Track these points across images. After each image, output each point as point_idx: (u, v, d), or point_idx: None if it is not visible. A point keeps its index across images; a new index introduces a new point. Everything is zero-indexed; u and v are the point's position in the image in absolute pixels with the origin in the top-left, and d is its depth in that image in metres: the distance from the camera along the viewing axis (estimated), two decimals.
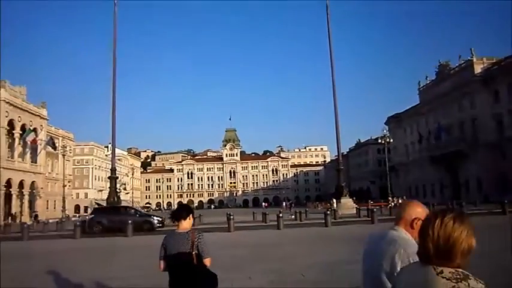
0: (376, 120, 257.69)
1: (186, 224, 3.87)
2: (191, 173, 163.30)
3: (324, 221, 22.65)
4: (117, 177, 34.77)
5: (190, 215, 3.93)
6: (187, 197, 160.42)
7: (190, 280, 3.61)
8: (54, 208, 75.01)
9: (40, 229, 29.39)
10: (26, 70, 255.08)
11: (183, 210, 3.96)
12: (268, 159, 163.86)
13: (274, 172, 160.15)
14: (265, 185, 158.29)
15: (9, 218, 52.23)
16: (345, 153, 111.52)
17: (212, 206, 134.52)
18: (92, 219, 25.64)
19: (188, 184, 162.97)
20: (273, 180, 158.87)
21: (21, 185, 63.01)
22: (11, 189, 60.54)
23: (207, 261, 3.75)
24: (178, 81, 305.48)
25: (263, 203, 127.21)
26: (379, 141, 72.43)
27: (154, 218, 27.11)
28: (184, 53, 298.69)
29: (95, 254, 14.82)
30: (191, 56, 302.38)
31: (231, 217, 22.46)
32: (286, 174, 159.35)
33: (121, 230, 21.28)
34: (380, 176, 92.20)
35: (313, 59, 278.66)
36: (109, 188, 36.82)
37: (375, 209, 25.77)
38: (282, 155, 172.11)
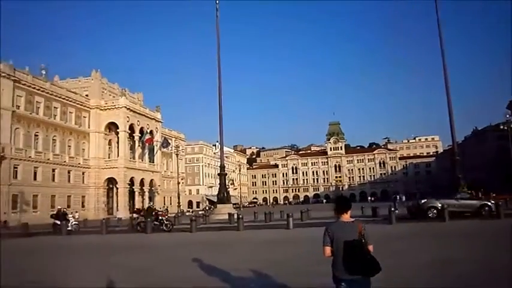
0: (493, 107, 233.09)
1: (348, 215, 4.31)
2: (296, 168, 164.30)
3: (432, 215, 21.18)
4: (226, 174, 36.34)
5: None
6: (292, 192, 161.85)
7: (360, 264, 4.03)
8: (170, 203, 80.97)
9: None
10: (142, 77, 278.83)
11: (347, 203, 4.38)
12: (375, 152, 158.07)
13: (382, 165, 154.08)
14: (372, 179, 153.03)
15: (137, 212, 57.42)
16: (460, 142, 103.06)
17: (324, 201, 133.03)
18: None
19: (293, 179, 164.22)
20: (381, 174, 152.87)
21: (142, 183, 69.15)
22: (133, 187, 66.83)
23: (371, 248, 4.21)
24: (280, 79, 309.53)
25: (370, 197, 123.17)
26: (501, 127, 65.43)
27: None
28: (285, 49, 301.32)
29: (208, 245, 15.61)
30: (292, 53, 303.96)
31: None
32: (395, 167, 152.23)
33: None
34: (501, 165, 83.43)
35: (422, 44, 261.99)
36: (219, 184, 38.69)
37: (500, 203, 23.44)
38: (389, 146, 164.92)
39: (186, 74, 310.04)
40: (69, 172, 59.81)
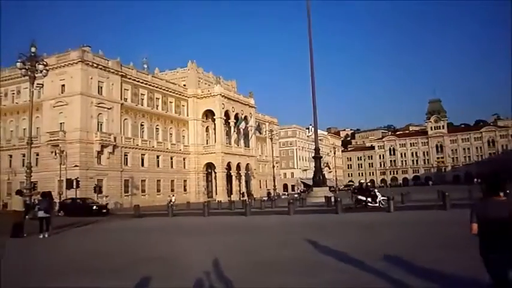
0: None
1: (501, 194, 4.43)
2: (393, 149, 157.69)
3: None
4: (321, 157, 36.06)
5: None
6: (390, 174, 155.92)
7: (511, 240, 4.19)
8: (266, 187, 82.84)
9: (258, 205, 32.64)
10: (235, 65, 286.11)
11: (502, 183, 4.49)
12: (482, 130, 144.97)
13: (491, 144, 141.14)
14: (480, 159, 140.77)
15: (243, 195, 59.79)
16: None
17: (430, 183, 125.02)
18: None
19: (391, 161, 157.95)
20: (489, 153, 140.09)
21: (238, 167, 71.50)
22: (230, 171, 69.40)
23: None
24: (373, 58, 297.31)
25: (476, 179, 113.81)
26: None
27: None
28: (379, 25, 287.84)
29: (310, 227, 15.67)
30: (389, 31, 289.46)
31: (446, 194, 20.74)
32: (507, 145, 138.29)
33: None
34: None
35: None
36: (314, 167, 38.57)
37: None
38: (500, 123, 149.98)
39: (277, 59, 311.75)
40: (171, 158, 63.97)
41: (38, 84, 25.12)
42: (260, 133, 75.34)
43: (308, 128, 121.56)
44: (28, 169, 23.14)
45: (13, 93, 56.79)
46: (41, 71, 23.53)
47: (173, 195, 50.42)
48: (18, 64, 23.37)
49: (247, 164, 74.35)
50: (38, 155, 49.22)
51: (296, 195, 55.80)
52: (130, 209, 40.07)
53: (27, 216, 16.96)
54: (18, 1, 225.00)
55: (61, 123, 51.05)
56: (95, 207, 34.07)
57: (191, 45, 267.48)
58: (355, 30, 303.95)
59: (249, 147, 76.32)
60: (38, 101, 48.69)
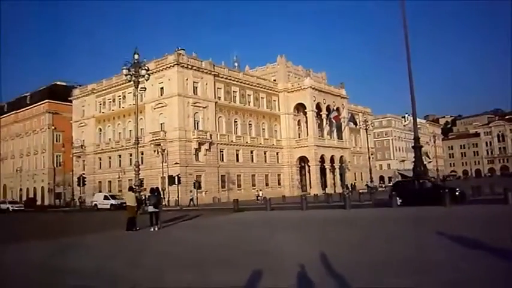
0: None
1: None
2: (502, 136, 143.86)
3: None
4: (422, 146, 33.88)
5: None
6: (499, 162, 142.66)
7: None
8: (361, 179, 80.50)
9: (357, 198, 31.73)
10: (325, 57, 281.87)
11: None
12: None
13: None
14: None
15: (347, 188, 59.33)
16: None
17: None
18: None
19: (499, 148, 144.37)
20: None
21: (332, 160, 70.32)
22: (324, 164, 68.50)
23: None
24: (471, 36, 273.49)
25: None
26: None
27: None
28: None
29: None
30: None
31: None
32: None
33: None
34: None
35: None
36: (413, 157, 36.40)
37: None
38: None
39: (368, 47, 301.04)
40: (264, 153, 64.87)
41: (141, 88, 26.81)
42: (354, 124, 73.17)
43: (404, 117, 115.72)
44: (136, 167, 24.95)
45: (119, 99, 61.72)
46: (143, 76, 25.23)
47: (260, 190, 51.25)
48: (124, 71, 25.27)
49: (341, 157, 72.80)
50: (143, 154, 52.90)
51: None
52: (227, 204, 41.52)
53: (138, 211, 18.16)
54: (120, 15, 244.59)
55: (161, 124, 54.40)
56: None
57: (279, 40, 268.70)
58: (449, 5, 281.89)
59: (342, 139, 74.66)
60: (141, 104, 52.29)
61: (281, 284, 6.55)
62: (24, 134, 79.30)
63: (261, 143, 64.15)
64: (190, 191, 46.69)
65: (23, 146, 79.47)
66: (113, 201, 42.98)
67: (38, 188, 74.21)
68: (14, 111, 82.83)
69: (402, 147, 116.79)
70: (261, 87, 66.13)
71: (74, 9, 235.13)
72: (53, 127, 73.09)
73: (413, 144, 34.40)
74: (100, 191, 61.49)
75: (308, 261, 8.01)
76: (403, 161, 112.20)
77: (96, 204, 45.45)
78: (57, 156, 72.13)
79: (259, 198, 45.72)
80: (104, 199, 45.15)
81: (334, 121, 70.10)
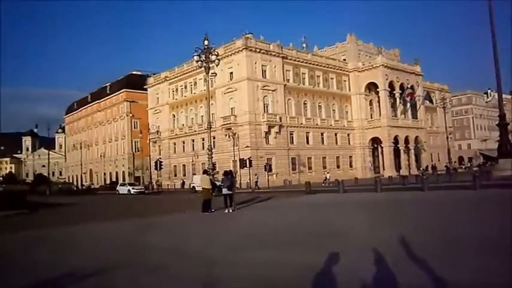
0: None
1: None
2: None
3: None
4: (508, 124, 31.27)
5: None
6: None
7: None
8: (438, 160, 76.45)
9: (435, 180, 30.15)
10: (397, 32, 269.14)
11: None
12: None
13: None
14: None
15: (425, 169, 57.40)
16: None
17: None
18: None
19: None
20: None
21: (406, 140, 67.41)
22: (398, 145, 65.89)
23: None
24: None
25: None
26: None
27: None
28: None
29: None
30: None
31: None
32: None
33: None
34: None
35: None
36: (498, 136, 33.76)
37: None
38: None
39: (443, 19, 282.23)
40: (335, 135, 63.69)
41: (212, 73, 27.34)
42: (430, 102, 69.41)
43: (486, 93, 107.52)
44: (209, 151, 25.58)
45: (191, 85, 63.53)
46: (214, 61, 25.64)
47: (328, 173, 50.31)
48: (195, 57, 25.84)
49: (416, 137, 69.53)
50: (214, 138, 54.23)
51: (475, 168, 50.08)
52: (298, 186, 41.44)
53: (213, 194, 18.65)
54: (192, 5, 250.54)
55: (232, 108, 55.28)
56: None
57: (349, 18, 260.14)
58: None
59: (417, 118, 71.19)
60: (212, 89, 53.43)
61: (358, 265, 6.33)
62: (106, 122, 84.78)
63: (331, 125, 63.01)
64: (255, 174, 47.15)
65: (105, 133, 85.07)
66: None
67: (119, 172, 79.21)
68: (97, 101, 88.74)
69: (484, 126, 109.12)
70: (331, 68, 64.64)
71: (147, 3, 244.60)
72: (130, 115, 77.28)
73: (498, 122, 31.99)
74: (175, 175, 64.36)
75: (384, 243, 7.74)
76: (485, 140, 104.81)
77: (194, 186, 43.45)
78: (135, 142, 76.35)
79: (325, 181, 45.15)
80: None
81: (408, 99, 66.93)
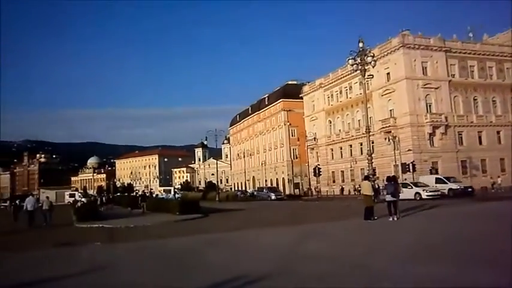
0: None
1: None
2: None
3: None
4: None
5: None
6: None
7: None
8: None
9: None
10: None
11: None
12: None
13: None
14: None
15: None
16: None
17: None
18: None
19: None
20: None
21: None
22: None
23: None
24: None
25: None
26: None
27: None
28: None
29: None
30: None
31: None
32: None
33: None
34: None
35: None
36: None
37: None
38: None
39: None
40: None
41: (368, 75, 26.42)
42: None
43: None
44: (369, 156, 24.66)
45: (346, 90, 62.68)
46: (370, 63, 24.74)
47: (499, 177, 43.38)
48: (350, 61, 25.32)
49: None
50: (373, 142, 52.22)
51: None
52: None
53: (375, 200, 17.77)
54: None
55: (390, 110, 52.69)
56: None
57: None
58: None
59: None
60: (368, 92, 51.71)
61: None
62: (265, 131, 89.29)
63: (509, 121, 54.94)
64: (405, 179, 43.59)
65: (265, 142, 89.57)
66: (453, 186, 35.03)
67: (279, 179, 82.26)
68: (256, 112, 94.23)
69: None
70: (506, 56, 56.54)
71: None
72: (288, 123, 79.78)
73: None
74: (334, 181, 63.99)
75: None
76: None
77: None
78: (293, 149, 78.43)
79: (495, 186, 39.38)
80: (437, 183, 35.70)
81: None
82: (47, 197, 27.41)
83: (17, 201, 32.96)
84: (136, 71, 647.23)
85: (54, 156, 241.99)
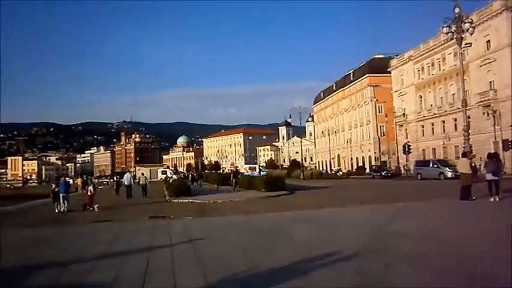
0: None
1: None
2: None
3: None
4: None
5: None
6: None
7: None
8: None
9: None
10: None
11: None
12: None
13: None
14: None
15: None
16: None
17: None
18: None
19: None
20: None
21: None
22: None
23: None
24: None
25: None
26: None
27: None
28: None
29: None
30: None
31: None
32: None
33: None
34: None
35: None
36: None
37: None
38: None
39: None
40: None
41: (465, 44, 24.12)
42: None
43: None
44: (465, 132, 22.69)
45: (439, 62, 58.32)
46: (467, 30, 22.46)
47: None
48: (444, 29, 23.20)
49: None
50: (469, 117, 48.21)
51: None
52: None
53: (473, 179, 16.31)
54: None
55: (490, 82, 48.19)
56: None
57: None
58: None
59: None
60: (464, 63, 47.65)
61: None
62: (351, 108, 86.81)
63: None
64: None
65: (350, 119, 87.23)
66: None
67: (365, 157, 79.94)
68: (341, 89, 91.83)
69: None
70: None
71: None
72: (375, 99, 76.73)
73: None
74: (424, 159, 60.49)
75: None
76: None
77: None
78: (380, 126, 75.50)
79: None
80: None
81: None
82: (142, 173, 29.35)
83: (117, 178, 35.94)
84: (221, 51, 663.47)
85: (147, 136, 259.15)
